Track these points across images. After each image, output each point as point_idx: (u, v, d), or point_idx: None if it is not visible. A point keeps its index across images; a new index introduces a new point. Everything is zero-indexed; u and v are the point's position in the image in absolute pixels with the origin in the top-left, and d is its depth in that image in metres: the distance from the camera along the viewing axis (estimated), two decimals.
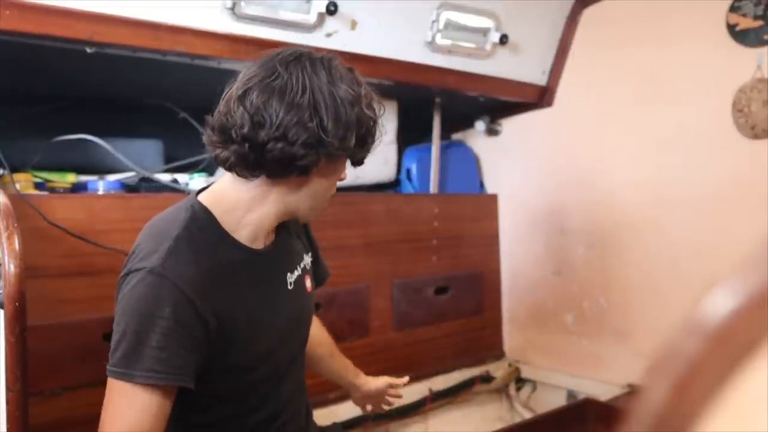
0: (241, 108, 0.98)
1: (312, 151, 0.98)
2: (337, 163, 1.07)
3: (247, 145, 0.98)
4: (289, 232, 1.23)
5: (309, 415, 1.32)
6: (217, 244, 1.04)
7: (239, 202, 1.06)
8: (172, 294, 0.95)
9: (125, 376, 0.93)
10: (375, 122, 1.05)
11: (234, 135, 0.98)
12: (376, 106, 1.06)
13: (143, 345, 0.93)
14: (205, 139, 1.05)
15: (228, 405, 1.12)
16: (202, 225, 1.04)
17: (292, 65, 0.99)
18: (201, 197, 1.09)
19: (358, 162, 1.10)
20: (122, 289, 0.99)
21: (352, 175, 1.17)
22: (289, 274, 1.18)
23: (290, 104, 0.96)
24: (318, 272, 1.34)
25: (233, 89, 1.01)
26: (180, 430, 1.09)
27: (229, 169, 1.04)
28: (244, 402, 1.13)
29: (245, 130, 0.97)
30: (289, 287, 1.17)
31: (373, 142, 1.07)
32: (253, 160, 0.99)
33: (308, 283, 1.25)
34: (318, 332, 1.42)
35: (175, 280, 0.95)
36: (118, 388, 0.94)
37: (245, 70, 1.03)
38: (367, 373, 1.48)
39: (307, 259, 1.27)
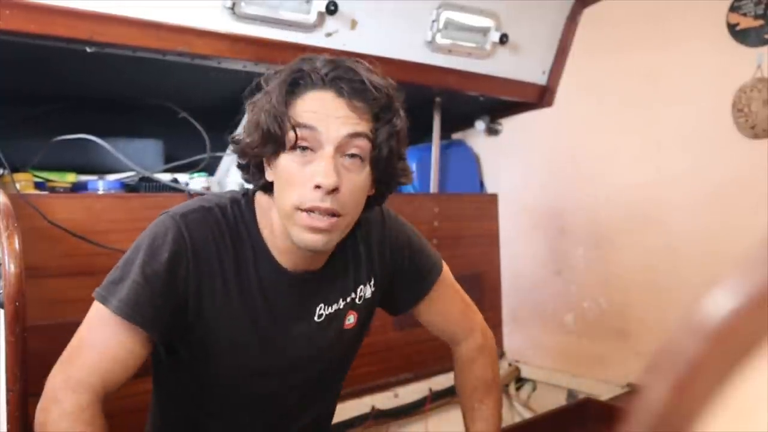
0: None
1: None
2: (277, 158, 0.98)
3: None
4: (357, 259, 1.14)
5: None
6: (240, 237, 1.02)
7: (265, 206, 1.05)
8: (176, 241, 0.96)
9: (104, 300, 0.94)
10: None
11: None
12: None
13: (128, 275, 0.94)
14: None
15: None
16: (239, 213, 1.04)
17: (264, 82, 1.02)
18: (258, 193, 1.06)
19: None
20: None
21: None
22: (322, 305, 1.09)
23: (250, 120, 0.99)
24: (395, 299, 1.24)
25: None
26: None
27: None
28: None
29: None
30: (317, 319, 1.08)
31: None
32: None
33: (350, 319, 1.13)
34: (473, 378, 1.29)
35: (185, 230, 0.97)
36: (98, 309, 0.96)
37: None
38: (368, 373, 1.47)
39: (365, 291, 1.15)
